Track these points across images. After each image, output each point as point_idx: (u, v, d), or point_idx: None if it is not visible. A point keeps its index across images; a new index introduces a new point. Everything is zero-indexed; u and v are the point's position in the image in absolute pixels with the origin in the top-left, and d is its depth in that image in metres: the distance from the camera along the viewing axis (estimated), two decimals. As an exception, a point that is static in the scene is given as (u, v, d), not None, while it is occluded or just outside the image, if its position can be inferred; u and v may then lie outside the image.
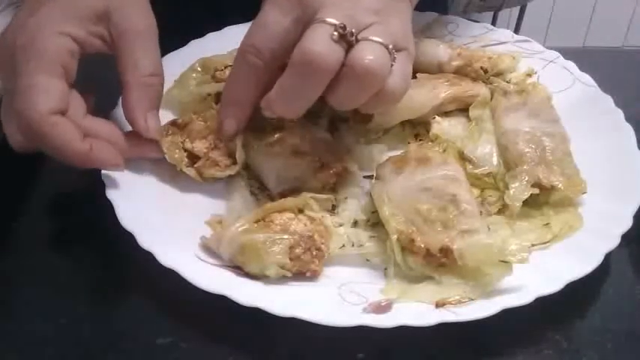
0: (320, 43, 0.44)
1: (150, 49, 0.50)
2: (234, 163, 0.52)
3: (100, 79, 0.54)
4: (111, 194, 0.49)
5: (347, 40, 0.45)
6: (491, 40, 0.67)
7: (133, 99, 0.49)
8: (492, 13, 1.11)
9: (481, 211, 0.51)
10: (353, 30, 0.45)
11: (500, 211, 0.52)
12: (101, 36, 0.49)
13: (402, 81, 0.48)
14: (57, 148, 0.46)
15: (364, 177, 0.54)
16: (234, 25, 0.66)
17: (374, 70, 0.45)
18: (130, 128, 0.51)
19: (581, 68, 0.63)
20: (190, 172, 0.52)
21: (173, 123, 0.54)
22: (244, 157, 0.52)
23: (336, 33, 0.44)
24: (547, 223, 0.50)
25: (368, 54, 0.45)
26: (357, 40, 0.45)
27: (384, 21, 0.47)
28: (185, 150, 0.53)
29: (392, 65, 0.46)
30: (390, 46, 0.46)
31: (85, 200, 0.54)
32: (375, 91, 0.46)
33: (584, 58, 0.64)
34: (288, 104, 0.47)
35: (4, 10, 0.63)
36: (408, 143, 0.57)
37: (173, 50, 0.63)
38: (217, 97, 0.58)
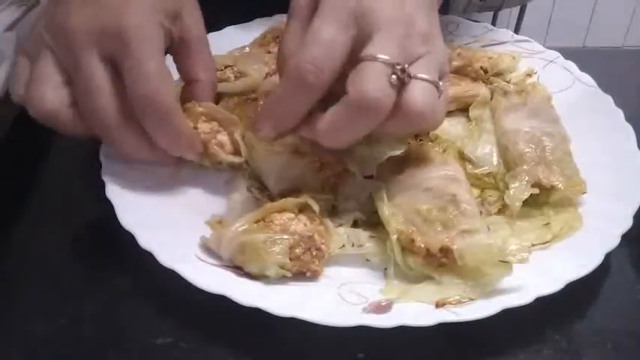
0: (379, 87, 0.43)
1: (209, 50, 0.54)
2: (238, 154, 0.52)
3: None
4: (111, 194, 0.49)
5: (402, 80, 0.44)
6: (491, 40, 0.67)
7: (208, 96, 0.54)
8: (492, 13, 1.12)
9: (481, 211, 0.51)
10: (406, 66, 0.44)
11: (500, 211, 0.52)
12: (172, 34, 0.51)
13: (443, 111, 0.48)
14: (174, 133, 0.48)
15: (364, 177, 0.54)
16: (234, 25, 0.66)
17: (424, 113, 0.44)
18: None
19: (581, 68, 0.63)
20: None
21: None
22: (246, 151, 0.52)
23: (394, 77, 0.43)
24: (547, 223, 0.50)
25: (419, 97, 0.44)
26: (409, 77, 0.44)
27: (431, 49, 0.46)
28: None
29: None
30: (440, 83, 0.45)
31: (85, 200, 0.54)
32: (419, 128, 0.47)
33: (584, 58, 0.64)
34: (336, 138, 0.46)
35: (5, 9, 0.63)
36: (408, 143, 0.57)
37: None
38: (217, 97, 0.58)
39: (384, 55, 0.43)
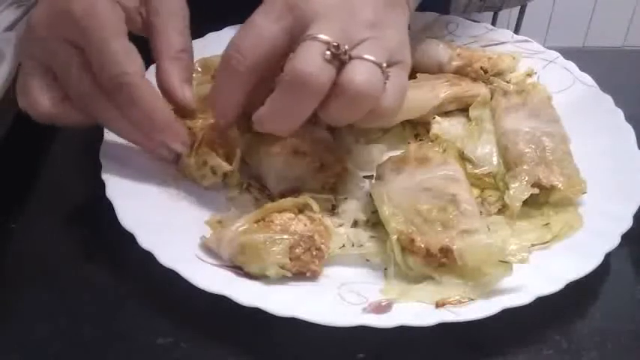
0: (311, 63, 0.43)
1: (181, 29, 0.51)
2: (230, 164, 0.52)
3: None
4: (111, 194, 0.49)
5: (339, 58, 0.44)
6: (491, 40, 0.67)
7: (169, 70, 0.50)
8: (492, 13, 1.11)
9: (481, 211, 0.51)
10: (346, 47, 0.44)
11: (500, 211, 0.52)
12: (142, 14, 0.50)
13: (396, 98, 0.47)
14: (145, 110, 0.47)
15: (364, 177, 0.54)
16: (234, 25, 0.66)
17: (365, 91, 0.44)
18: None
19: (581, 68, 0.63)
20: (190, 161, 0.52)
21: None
22: (238, 164, 0.52)
23: (328, 52, 0.43)
24: (547, 223, 0.50)
25: (359, 75, 0.44)
26: (350, 58, 0.44)
27: (378, 35, 0.46)
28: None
29: (385, 83, 0.45)
30: (384, 64, 0.45)
31: (84, 200, 0.54)
32: (367, 110, 0.45)
33: (584, 58, 0.64)
34: (279, 122, 0.47)
35: (4, 10, 0.63)
36: (408, 143, 0.57)
37: (173, 50, 0.63)
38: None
39: (322, 35, 0.43)
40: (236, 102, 0.49)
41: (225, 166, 0.51)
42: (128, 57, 0.46)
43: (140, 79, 0.46)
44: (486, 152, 0.56)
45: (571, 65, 0.64)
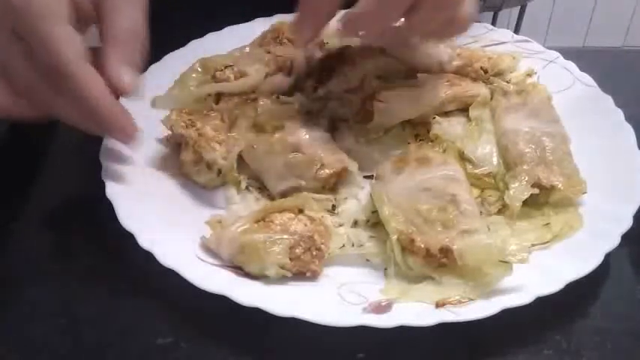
0: None
1: (130, 10, 0.48)
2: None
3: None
4: (111, 194, 0.49)
5: None
6: (491, 40, 0.67)
7: (107, 53, 0.47)
8: (492, 13, 1.12)
9: (481, 211, 0.51)
10: None
11: (500, 211, 0.52)
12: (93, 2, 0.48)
13: (472, 8, 0.51)
14: (88, 98, 0.45)
15: (364, 177, 0.54)
16: (234, 25, 0.66)
17: None
18: None
19: (581, 68, 0.63)
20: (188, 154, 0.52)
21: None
22: (234, 165, 0.52)
23: None
24: (547, 223, 0.50)
25: None
26: None
27: None
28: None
29: None
30: None
31: (84, 200, 0.54)
32: (448, 16, 0.49)
33: (584, 58, 0.64)
34: (369, 23, 0.49)
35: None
36: (408, 143, 0.57)
37: (173, 50, 0.63)
38: (217, 97, 0.58)
39: None
40: (330, 8, 0.50)
41: (221, 161, 0.51)
42: (68, 43, 0.45)
43: (82, 66, 0.45)
44: (486, 152, 0.56)
45: (571, 65, 0.64)
